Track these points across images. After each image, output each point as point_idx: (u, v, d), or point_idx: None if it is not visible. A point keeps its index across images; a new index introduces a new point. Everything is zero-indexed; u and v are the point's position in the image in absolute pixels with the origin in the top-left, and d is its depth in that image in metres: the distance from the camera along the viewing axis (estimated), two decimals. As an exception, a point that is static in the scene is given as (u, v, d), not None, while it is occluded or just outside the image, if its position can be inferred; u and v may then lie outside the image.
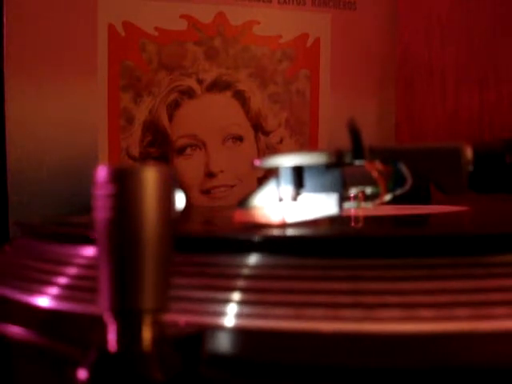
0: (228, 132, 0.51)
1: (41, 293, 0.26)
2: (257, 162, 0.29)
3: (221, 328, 0.21)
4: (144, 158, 0.49)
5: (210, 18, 0.50)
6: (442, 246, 0.23)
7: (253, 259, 0.23)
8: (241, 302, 0.22)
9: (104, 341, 0.17)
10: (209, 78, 0.50)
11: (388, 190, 0.28)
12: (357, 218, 0.32)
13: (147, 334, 0.17)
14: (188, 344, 0.18)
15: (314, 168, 0.27)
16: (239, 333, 0.21)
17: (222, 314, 0.22)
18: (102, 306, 0.17)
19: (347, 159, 0.27)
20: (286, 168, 0.28)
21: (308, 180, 0.28)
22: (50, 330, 0.24)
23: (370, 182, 0.28)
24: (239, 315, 0.22)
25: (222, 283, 0.23)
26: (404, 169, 0.27)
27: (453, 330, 0.20)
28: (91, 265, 0.26)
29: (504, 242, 0.23)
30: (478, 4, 0.68)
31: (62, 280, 0.26)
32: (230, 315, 0.22)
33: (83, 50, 0.47)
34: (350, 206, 0.28)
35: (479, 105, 0.68)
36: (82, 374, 0.17)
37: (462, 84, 0.68)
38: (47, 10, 0.46)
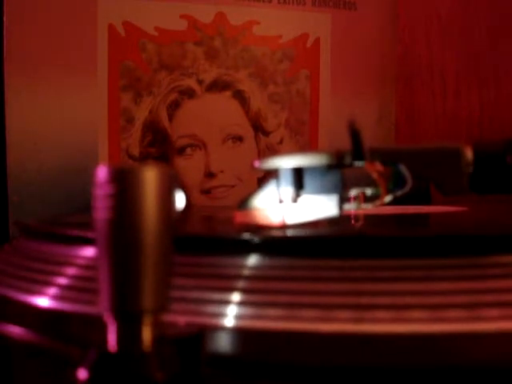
0: (228, 132, 0.51)
1: (41, 293, 0.26)
2: (256, 164, 0.29)
3: (220, 328, 0.21)
4: (144, 157, 0.49)
5: (210, 18, 0.50)
6: (440, 247, 0.23)
7: (253, 260, 0.23)
8: (240, 303, 0.22)
9: (104, 341, 0.17)
10: (209, 78, 0.50)
11: (388, 191, 0.28)
12: (357, 219, 0.32)
13: (147, 335, 0.17)
14: (188, 344, 0.18)
15: (314, 169, 0.27)
16: (239, 333, 0.21)
17: (221, 314, 0.22)
18: (101, 307, 0.17)
19: (347, 160, 0.27)
20: (286, 169, 0.28)
21: (308, 181, 0.28)
22: (50, 330, 0.24)
23: (370, 183, 0.28)
24: (239, 316, 0.22)
25: (222, 284, 0.23)
26: (404, 170, 0.27)
27: (451, 331, 0.20)
28: (91, 265, 0.26)
29: (503, 242, 0.23)
30: (478, 4, 0.68)
31: (62, 280, 0.26)
32: (230, 316, 0.22)
33: (83, 49, 0.47)
34: (350, 207, 0.28)
35: (479, 105, 0.68)
36: (82, 373, 0.17)
37: (462, 84, 0.68)
38: (47, 10, 0.46)
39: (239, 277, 0.23)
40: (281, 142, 0.52)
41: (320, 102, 0.53)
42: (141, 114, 0.48)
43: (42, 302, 0.25)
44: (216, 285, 0.23)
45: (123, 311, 0.17)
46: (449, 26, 0.68)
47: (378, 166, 0.27)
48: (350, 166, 0.27)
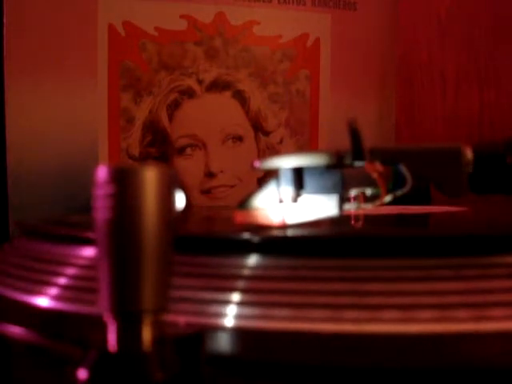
0: (228, 132, 0.51)
1: (41, 293, 0.26)
2: (256, 164, 0.29)
3: (221, 328, 0.21)
4: (144, 157, 0.49)
5: (210, 18, 0.50)
6: (442, 247, 0.23)
7: (252, 260, 0.23)
8: (240, 303, 0.22)
9: (104, 341, 0.17)
10: (209, 78, 0.50)
11: (388, 191, 0.28)
12: (357, 219, 0.32)
13: (147, 335, 0.17)
14: (188, 344, 0.18)
15: (314, 169, 0.27)
16: (239, 333, 0.21)
17: (221, 314, 0.22)
18: (101, 307, 0.17)
19: (347, 160, 0.27)
20: (286, 169, 0.28)
21: (308, 181, 0.28)
22: (50, 330, 0.24)
23: (370, 183, 0.28)
24: (239, 316, 0.22)
25: (222, 284, 0.23)
26: (404, 170, 0.27)
27: (452, 331, 0.20)
28: (91, 265, 0.26)
29: (504, 242, 0.23)
30: (478, 4, 0.68)
31: (62, 280, 0.26)
32: (230, 316, 0.22)
33: (83, 49, 0.47)
34: (350, 207, 0.28)
35: (479, 105, 0.68)
36: (82, 373, 0.17)
37: (462, 84, 0.68)
38: (47, 9, 0.46)
39: (239, 277, 0.23)
40: (281, 141, 0.52)
41: (320, 101, 0.53)
42: (141, 114, 0.48)
43: (42, 301, 0.25)
44: (216, 285, 0.23)
45: (123, 311, 0.17)
46: (449, 26, 0.68)
47: (378, 166, 0.27)
48: (350, 165, 0.27)
